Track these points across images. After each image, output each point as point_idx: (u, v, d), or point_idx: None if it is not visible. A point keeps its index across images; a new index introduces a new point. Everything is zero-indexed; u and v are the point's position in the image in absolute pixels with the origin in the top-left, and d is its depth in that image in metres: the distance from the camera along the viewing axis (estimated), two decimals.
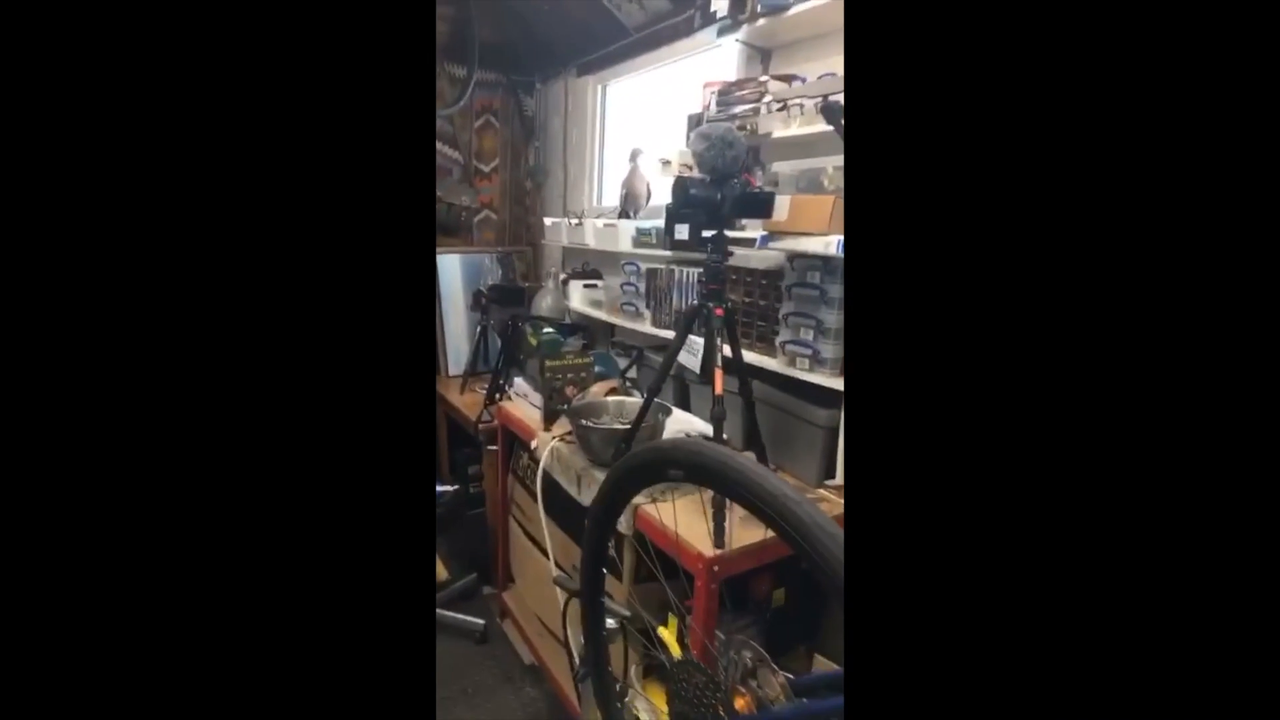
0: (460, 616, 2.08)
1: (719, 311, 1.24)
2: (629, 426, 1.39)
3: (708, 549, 1.09)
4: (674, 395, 1.76)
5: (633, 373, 1.87)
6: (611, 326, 2.21)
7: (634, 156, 2.00)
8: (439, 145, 2.73)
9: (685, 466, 0.61)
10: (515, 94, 2.85)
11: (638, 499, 1.27)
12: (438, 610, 2.10)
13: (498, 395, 2.05)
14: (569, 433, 1.57)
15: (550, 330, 1.78)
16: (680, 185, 1.22)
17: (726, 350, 1.29)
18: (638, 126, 2.34)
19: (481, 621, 2.07)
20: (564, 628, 1.18)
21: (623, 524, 1.29)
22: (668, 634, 1.21)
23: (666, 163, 1.72)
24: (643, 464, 0.68)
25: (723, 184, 1.21)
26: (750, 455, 0.57)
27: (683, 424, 1.61)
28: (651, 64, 2.23)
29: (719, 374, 1.22)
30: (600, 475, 1.39)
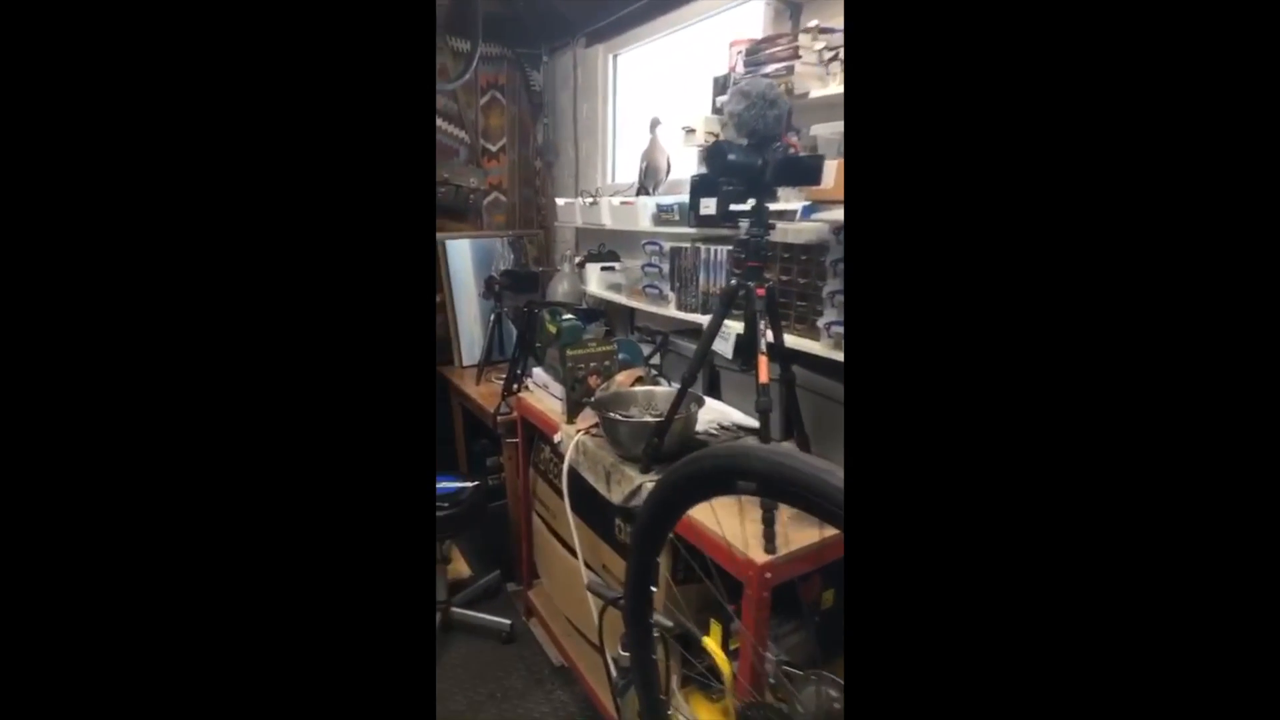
0: (485, 616, 2.02)
1: (760, 292, 1.14)
2: (661, 419, 1.30)
3: (758, 554, 1.00)
4: (704, 383, 1.67)
5: (656, 359, 1.80)
6: (631, 311, 2.13)
7: (654, 126, 1.89)
8: (443, 124, 2.62)
9: (762, 479, 0.52)
10: (521, 68, 2.74)
11: (648, 482, 1.18)
12: (462, 610, 2.04)
13: (515, 386, 1.97)
14: (595, 425, 1.50)
15: (570, 317, 1.69)
16: (716, 151, 1.12)
17: (766, 333, 1.19)
18: (652, 97, 2.24)
19: (508, 621, 2.01)
20: (600, 637, 1.10)
21: None
22: (712, 644, 1.13)
23: (690, 131, 1.60)
24: (705, 474, 0.59)
25: (764, 148, 1.10)
26: (838, 470, 0.48)
27: (716, 414, 1.53)
28: (666, 28, 2.10)
29: (763, 361, 1.12)
30: (631, 471, 1.31)
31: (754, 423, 1.51)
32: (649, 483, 1.27)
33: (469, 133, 2.71)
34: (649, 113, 1.99)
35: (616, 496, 1.35)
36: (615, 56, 2.42)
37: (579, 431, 1.52)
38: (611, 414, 1.40)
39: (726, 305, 1.21)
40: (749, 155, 1.12)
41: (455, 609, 2.04)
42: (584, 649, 1.75)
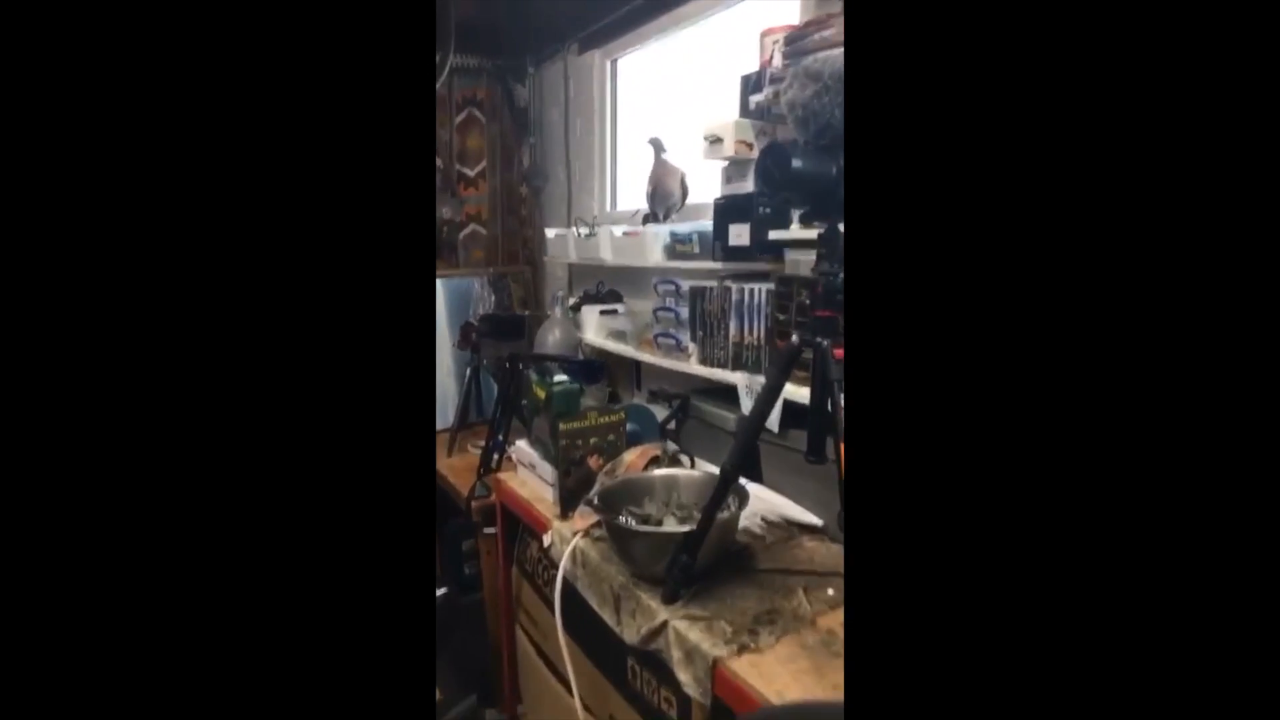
0: None
1: (839, 353, 0.82)
2: (690, 525, 0.98)
3: None
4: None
5: (672, 424, 1.54)
6: (636, 364, 1.88)
7: (657, 150, 1.68)
8: None
9: None
10: (504, 81, 2.51)
11: (716, 649, 0.88)
12: None
13: (495, 461, 1.64)
14: (597, 524, 1.20)
15: (564, 380, 1.37)
16: (774, 155, 0.80)
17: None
18: (661, 107, 2.05)
19: None
20: None
21: (686, 679, 0.91)
22: None
23: (715, 141, 1.34)
24: None
25: (839, 150, 0.79)
26: None
27: (766, 506, 1.20)
28: (675, 25, 1.87)
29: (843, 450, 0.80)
30: (650, 599, 1.01)
31: (812, 518, 1.20)
32: (678, 621, 0.94)
33: (442, 157, 2.45)
34: (657, 124, 1.80)
35: (631, 634, 1.04)
36: (614, 62, 2.21)
37: (576, 534, 1.22)
38: (623, 519, 1.08)
39: (787, 369, 0.91)
40: (819, 161, 0.81)
41: None
42: None
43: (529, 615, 1.56)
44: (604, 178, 2.28)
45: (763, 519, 1.20)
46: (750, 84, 1.32)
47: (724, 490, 0.96)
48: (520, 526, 1.54)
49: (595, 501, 1.15)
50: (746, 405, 1.31)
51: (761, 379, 1.27)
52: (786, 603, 0.98)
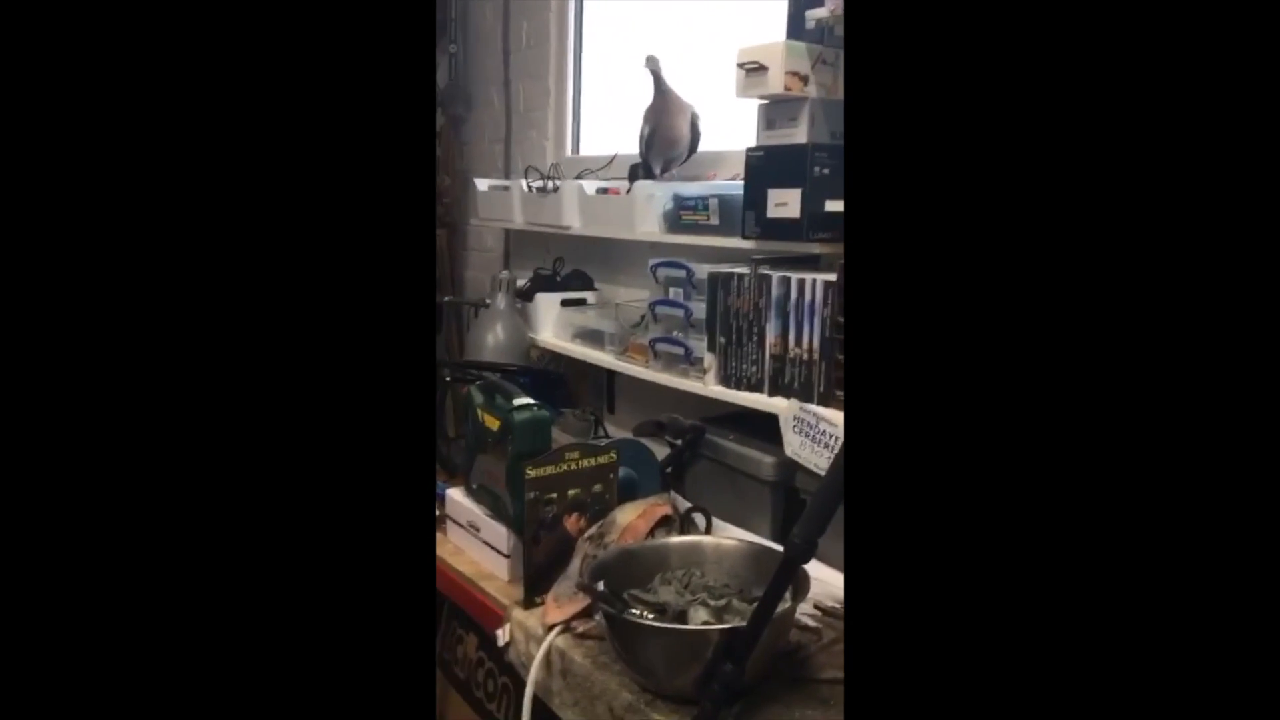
0: None
1: None
2: (739, 625, 1.00)
3: None
4: (775, 521, 1.43)
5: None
6: (609, 377, 1.93)
7: (657, 73, 1.71)
8: None
9: None
10: None
11: None
12: None
13: None
14: (580, 615, 1.21)
15: (529, 404, 1.35)
16: None
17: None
18: (658, 11, 2.06)
19: None
20: None
21: None
22: None
23: (755, 70, 1.38)
24: None
25: None
26: None
27: (821, 588, 1.23)
28: None
29: None
30: None
31: None
32: None
33: None
34: (651, 37, 1.84)
35: None
36: None
37: (552, 629, 1.21)
38: (634, 611, 1.07)
39: None
40: None
41: None
42: None
43: None
44: (564, 108, 2.30)
45: (816, 606, 1.22)
46: None
47: (790, 573, 0.97)
48: (447, 614, 1.54)
49: (588, 583, 1.13)
50: (794, 444, 1.33)
51: (817, 409, 1.29)
52: None
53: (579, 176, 1.93)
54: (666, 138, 1.71)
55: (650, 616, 1.10)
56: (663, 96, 1.70)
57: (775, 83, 1.37)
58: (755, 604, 1.01)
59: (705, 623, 1.09)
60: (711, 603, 1.15)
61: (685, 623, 1.10)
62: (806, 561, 0.99)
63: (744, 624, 0.99)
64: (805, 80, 1.36)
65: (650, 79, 1.71)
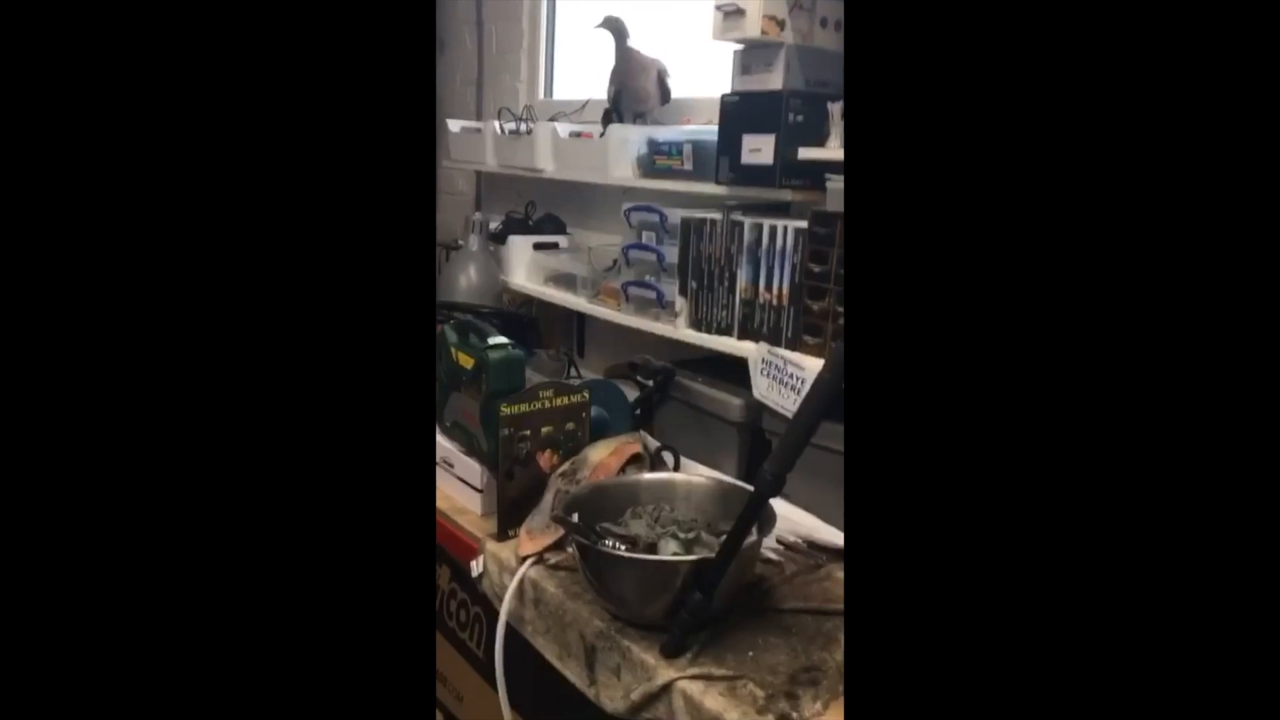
0: None
1: None
2: (708, 557, 1.03)
3: None
4: (741, 460, 1.45)
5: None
6: (579, 320, 1.95)
7: (618, 34, 1.71)
8: None
9: None
10: None
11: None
12: None
13: None
14: (554, 548, 1.24)
15: (503, 343, 1.36)
16: None
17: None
18: None
19: None
20: None
21: None
22: None
23: (734, 13, 1.38)
24: None
25: None
26: None
27: (784, 524, 1.27)
28: None
29: None
30: (644, 651, 1.05)
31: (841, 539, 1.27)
32: (688, 683, 0.98)
33: None
34: None
35: (614, 700, 1.08)
36: None
37: (525, 560, 1.24)
38: (608, 543, 1.11)
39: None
40: None
41: None
42: None
43: (445, 683, 1.57)
44: (537, 51, 2.29)
45: (779, 540, 1.26)
46: None
47: (759, 506, 1.00)
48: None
49: (562, 514, 1.16)
50: (762, 387, 1.36)
51: (785, 353, 1.32)
52: (828, 655, 1.03)
53: (552, 119, 1.92)
54: (632, 96, 1.71)
55: (622, 548, 1.14)
56: (625, 58, 1.70)
57: (753, 26, 1.37)
58: (723, 537, 1.04)
59: (675, 554, 1.12)
60: (681, 535, 1.18)
61: (656, 554, 1.13)
62: (775, 495, 1.02)
63: (712, 555, 1.03)
64: (782, 25, 1.37)
65: (612, 40, 1.70)
